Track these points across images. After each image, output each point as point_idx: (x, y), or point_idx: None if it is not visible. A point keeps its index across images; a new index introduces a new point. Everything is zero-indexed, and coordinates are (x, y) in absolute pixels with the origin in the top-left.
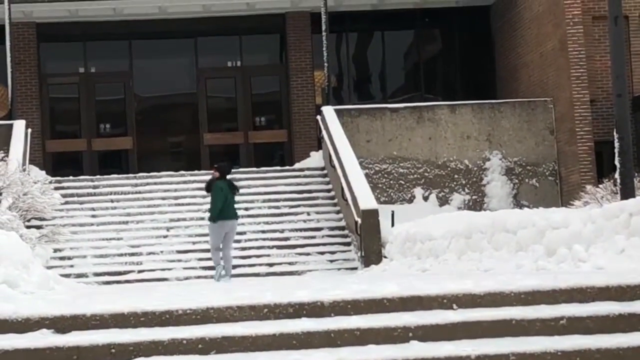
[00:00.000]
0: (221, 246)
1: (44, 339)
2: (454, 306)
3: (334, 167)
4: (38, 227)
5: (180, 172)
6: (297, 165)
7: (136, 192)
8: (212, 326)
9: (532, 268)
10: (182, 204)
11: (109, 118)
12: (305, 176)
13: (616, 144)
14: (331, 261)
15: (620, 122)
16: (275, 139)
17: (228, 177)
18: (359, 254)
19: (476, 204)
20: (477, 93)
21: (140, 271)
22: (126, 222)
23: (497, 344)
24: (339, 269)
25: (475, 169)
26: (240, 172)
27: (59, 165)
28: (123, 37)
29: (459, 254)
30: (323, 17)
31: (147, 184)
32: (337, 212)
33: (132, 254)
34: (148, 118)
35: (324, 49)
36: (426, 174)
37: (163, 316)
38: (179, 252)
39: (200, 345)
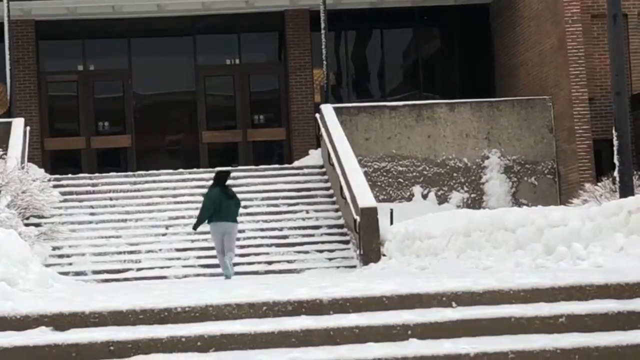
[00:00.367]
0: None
1: (43, 336)
2: (453, 304)
3: (332, 165)
4: (37, 225)
5: (179, 170)
6: (296, 164)
7: (135, 190)
8: (211, 324)
9: (531, 266)
10: (181, 202)
11: (107, 116)
12: (304, 174)
13: (615, 142)
14: (330, 259)
15: (619, 120)
16: (274, 137)
17: (230, 177)
18: (357, 252)
19: (475, 202)
20: (476, 91)
21: (139, 269)
22: (125, 220)
23: (496, 341)
24: (337, 267)
25: (474, 167)
26: (239, 170)
27: (58, 163)
28: (122, 34)
29: (458, 252)
30: (322, 15)
31: (146, 182)
32: (336, 210)
33: (131, 252)
34: (147, 116)
35: (323, 47)
36: (425, 172)
37: (162, 314)
38: (177, 250)
39: (199, 343)
